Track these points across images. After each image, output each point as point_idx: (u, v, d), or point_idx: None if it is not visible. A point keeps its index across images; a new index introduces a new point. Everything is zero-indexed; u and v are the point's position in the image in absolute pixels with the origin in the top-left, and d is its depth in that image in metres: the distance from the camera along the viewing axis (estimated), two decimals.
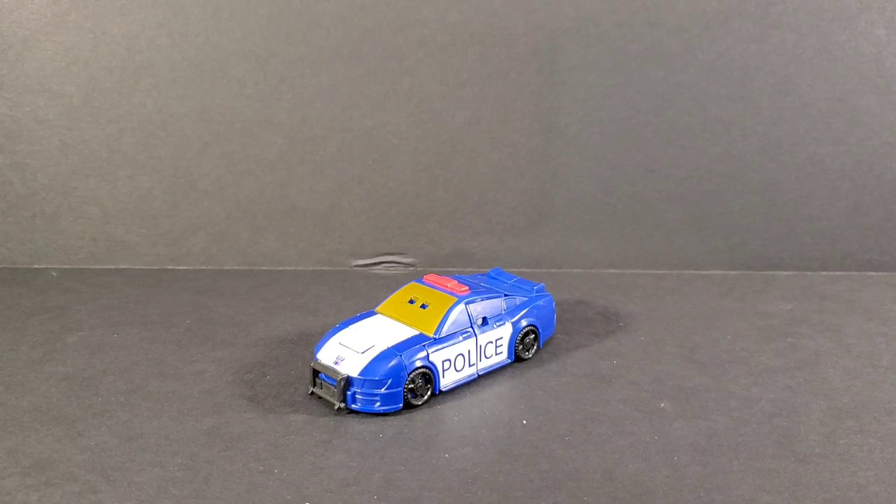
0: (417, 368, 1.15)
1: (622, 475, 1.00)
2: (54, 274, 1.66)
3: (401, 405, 1.14)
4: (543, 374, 1.26)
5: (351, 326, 1.22)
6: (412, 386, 1.14)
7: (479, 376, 1.24)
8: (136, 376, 1.24)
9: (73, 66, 1.61)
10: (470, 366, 1.22)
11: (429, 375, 1.16)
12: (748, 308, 1.51)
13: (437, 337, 1.18)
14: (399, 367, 1.13)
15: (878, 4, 1.58)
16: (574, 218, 1.71)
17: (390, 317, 1.24)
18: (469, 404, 1.17)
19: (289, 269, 1.71)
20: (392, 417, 1.13)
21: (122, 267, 1.70)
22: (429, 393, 1.17)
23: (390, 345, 1.16)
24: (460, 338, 1.20)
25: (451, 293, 1.24)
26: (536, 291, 1.34)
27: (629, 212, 1.70)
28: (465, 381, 1.22)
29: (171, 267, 1.71)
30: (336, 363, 1.15)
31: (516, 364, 1.29)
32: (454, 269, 1.66)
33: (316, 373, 1.16)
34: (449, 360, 1.19)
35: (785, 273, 1.70)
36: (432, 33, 1.61)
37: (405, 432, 1.09)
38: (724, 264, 1.71)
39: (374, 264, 1.72)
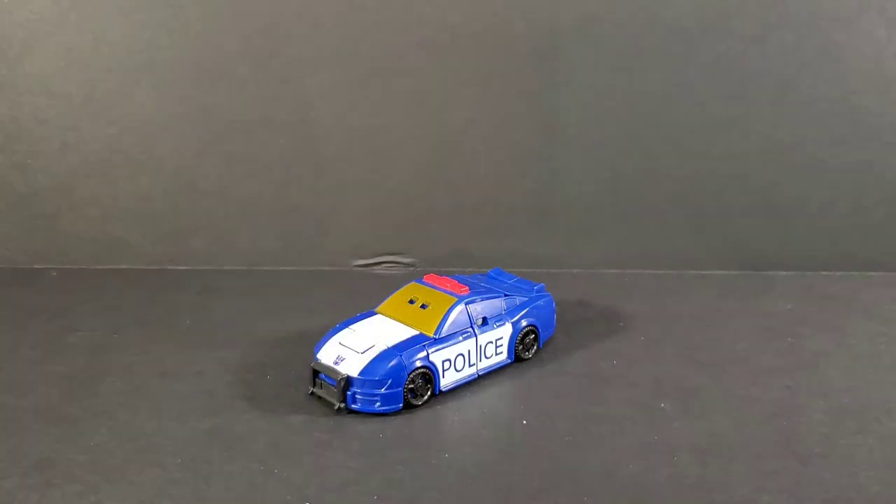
0: (417, 368, 1.15)
1: (622, 475, 1.00)
2: (54, 274, 1.66)
3: (401, 405, 1.14)
4: (543, 374, 1.25)
5: (351, 326, 1.22)
6: (412, 386, 1.14)
7: (479, 376, 1.24)
8: (136, 376, 1.24)
9: (73, 66, 1.61)
10: (470, 366, 1.22)
11: (429, 375, 1.16)
12: (748, 308, 1.51)
13: (437, 337, 1.18)
14: (399, 367, 1.13)
15: (878, 4, 1.58)
16: (574, 218, 1.71)
17: (390, 317, 1.24)
18: (469, 404, 1.17)
19: (289, 269, 1.71)
20: (392, 417, 1.13)
21: (122, 267, 1.70)
22: (429, 393, 1.17)
23: (390, 345, 1.16)
24: (460, 338, 1.20)
25: (451, 293, 1.24)
26: (536, 291, 1.34)
27: (629, 212, 1.70)
28: (465, 381, 1.22)
29: (171, 267, 1.71)
30: (336, 363, 1.15)
31: (516, 364, 1.28)
32: (454, 269, 1.65)
33: (316, 373, 1.16)
34: (449, 360, 1.19)
35: (785, 273, 1.70)
36: (432, 33, 1.60)
37: (405, 432, 1.09)
38: (724, 264, 1.71)
39: (374, 264, 1.72)
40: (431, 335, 1.18)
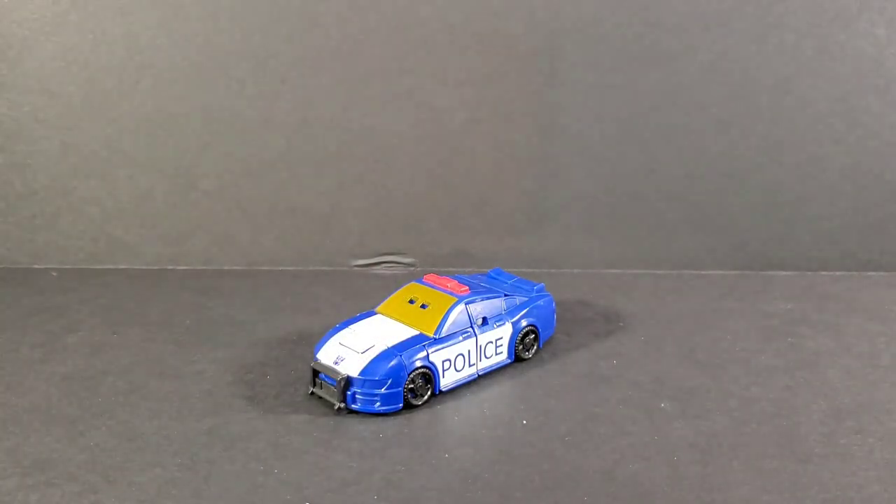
0: (417, 368, 1.15)
1: (622, 475, 1.00)
2: (54, 274, 1.66)
3: (401, 405, 1.14)
4: (543, 374, 1.26)
5: (351, 326, 1.22)
6: (412, 386, 1.14)
7: (479, 376, 1.24)
8: (136, 376, 1.24)
9: (73, 66, 1.61)
10: (470, 366, 1.22)
11: (429, 375, 1.16)
12: (748, 308, 1.51)
13: (437, 337, 1.18)
14: (399, 367, 1.13)
15: (878, 4, 1.58)
16: (574, 218, 1.71)
17: (390, 317, 1.24)
18: (469, 404, 1.17)
19: (289, 269, 1.71)
20: (392, 417, 1.13)
21: (122, 267, 1.70)
22: (429, 393, 1.17)
23: (390, 345, 1.16)
24: (460, 338, 1.20)
25: (451, 293, 1.24)
26: (536, 291, 1.34)
27: (629, 212, 1.70)
28: (465, 381, 1.22)
29: (171, 267, 1.71)
30: (336, 363, 1.15)
31: (516, 364, 1.29)
32: (454, 269, 1.66)
33: (316, 373, 1.16)
34: (449, 360, 1.19)
35: (785, 273, 1.70)
36: (432, 33, 1.60)
37: (405, 432, 1.09)
38: (724, 264, 1.71)
39: (374, 264, 1.72)
40: (431, 335, 1.18)
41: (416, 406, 1.15)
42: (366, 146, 1.67)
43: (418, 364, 1.15)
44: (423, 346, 1.16)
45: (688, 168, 1.68)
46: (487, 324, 1.24)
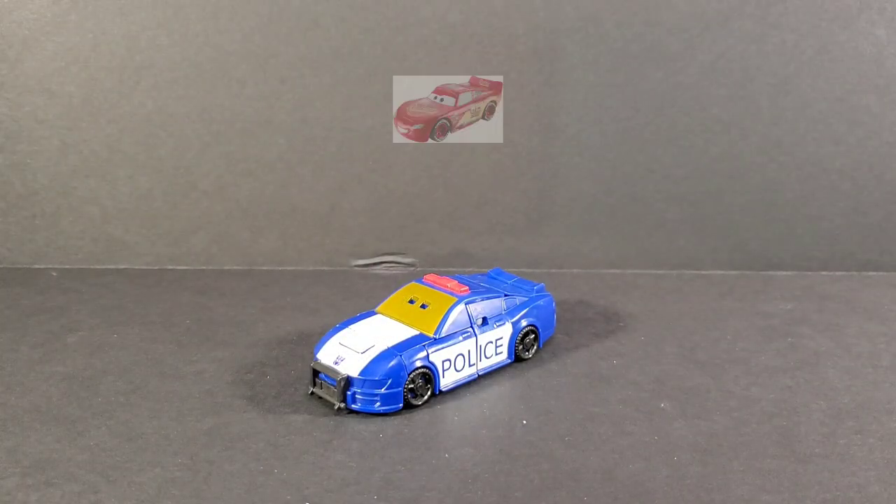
0: (417, 368, 1.15)
1: (622, 475, 1.00)
2: (54, 274, 1.66)
3: (401, 405, 1.14)
4: (543, 374, 1.26)
5: (351, 326, 1.22)
6: (412, 386, 1.14)
7: (479, 376, 1.24)
8: (136, 376, 1.24)
9: (73, 66, 1.61)
10: (470, 366, 1.22)
11: (429, 375, 1.16)
12: (748, 308, 1.51)
13: (437, 337, 1.18)
14: (399, 367, 1.13)
15: (878, 4, 1.58)
16: (574, 218, 1.71)
17: (390, 317, 1.24)
18: (469, 404, 1.17)
19: (289, 269, 1.71)
20: (392, 417, 1.13)
21: (122, 267, 1.70)
22: (429, 393, 1.17)
23: (390, 345, 1.16)
24: (460, 338, 1.20)
25: (451, 293, 1.24)
26: (536, 291, 1.34)
27: (629, 212, 1.70)
28: (465, 381, 1.22)
29: (171, 267, 1.71)
30: (336, 363, 1.15)
31: (516, 364, 1.29)
32: (454, 269, 1.66)
33: (316, 373, 1.16)
34: (449, 360, 1.19)
35: (785, 273, 1.70)
36: (432, 33, 1.60)
37: (405, 432, 1.09)
38: (724, 264, 1.71)
39: (374, 264, 1.72)
40: (431, 335, 1.18)
41: (416, 406, 1.15)
42: (366, 146, 1.67)
43: (418, 364, 1.15)
44: (423, 346, 1.16)
45: (688, 168, 1.68)
46: (487, 324, 1.24)
